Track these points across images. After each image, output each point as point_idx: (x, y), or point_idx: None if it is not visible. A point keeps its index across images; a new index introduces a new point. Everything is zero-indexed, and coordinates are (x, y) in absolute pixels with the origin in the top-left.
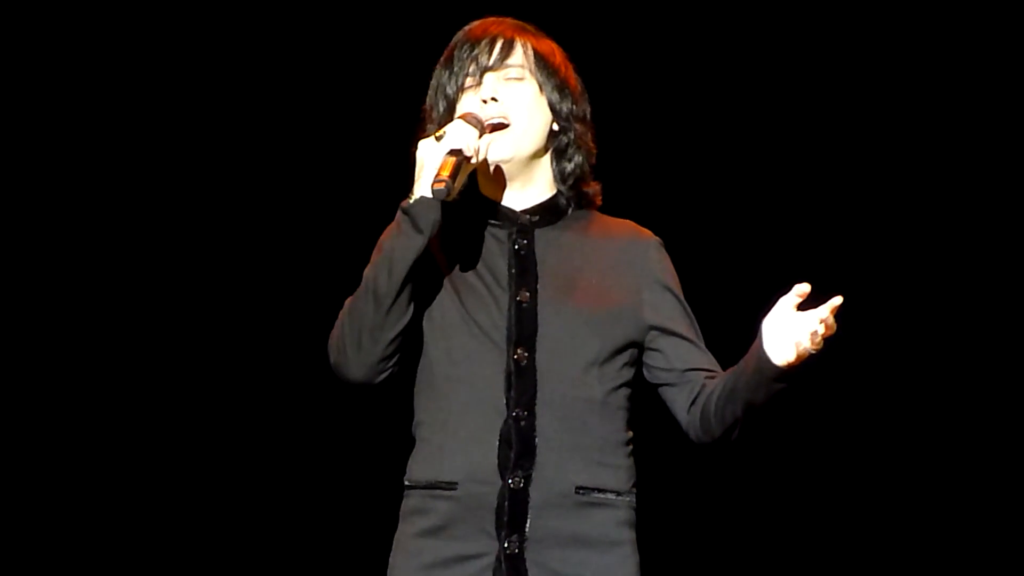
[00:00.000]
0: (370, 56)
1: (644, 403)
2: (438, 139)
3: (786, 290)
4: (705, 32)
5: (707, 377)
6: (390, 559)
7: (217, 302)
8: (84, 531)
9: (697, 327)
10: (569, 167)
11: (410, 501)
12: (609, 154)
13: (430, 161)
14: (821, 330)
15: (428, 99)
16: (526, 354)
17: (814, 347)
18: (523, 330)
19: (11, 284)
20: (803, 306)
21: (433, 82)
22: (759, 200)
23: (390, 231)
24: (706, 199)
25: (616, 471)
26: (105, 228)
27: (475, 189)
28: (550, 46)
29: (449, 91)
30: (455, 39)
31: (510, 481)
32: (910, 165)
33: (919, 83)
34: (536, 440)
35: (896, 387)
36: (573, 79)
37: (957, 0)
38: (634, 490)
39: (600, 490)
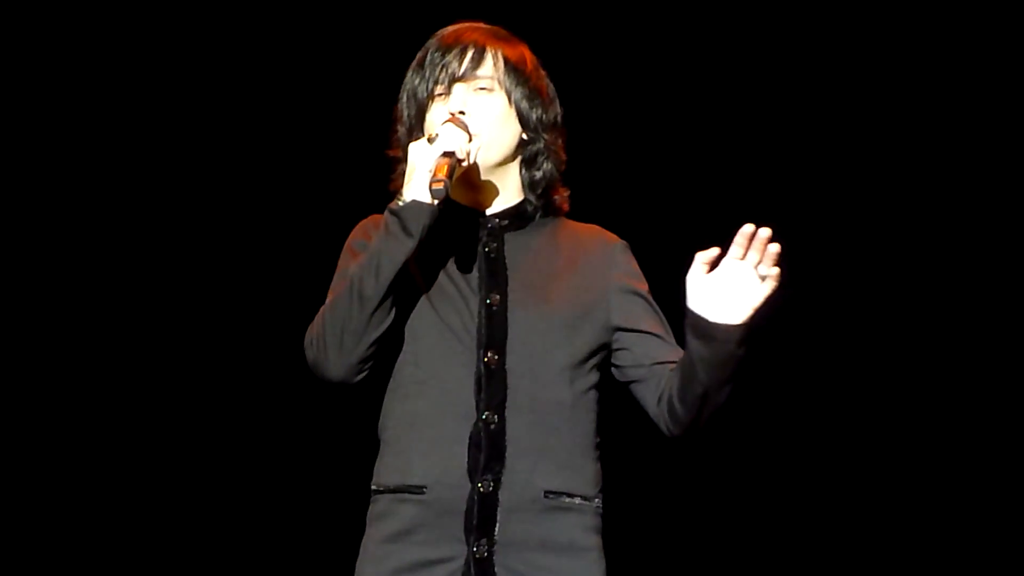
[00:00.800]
0: (350, 58)
1: (611, 407)
2: (430, 141)
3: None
4: (676, 34)
5: (672, 369)
6: (357, 565)
7: (185, 305)
8: (75, 528)
9: (666, 324)
10: (538, 175)
11: (377, 506)
12: (578, 158)
13: (423, 163)
14: (760, 260)
15: (399, 101)
16: (496, 357)
17: (773, 279)
18: (493, 333)
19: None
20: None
21: (405, 85)
22: (728, 202)
23: (364, 231)
24: (675, 201)
25: (584, 475)
26: (86, 226)
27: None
28: (521, 53)
29: (419, 96)
30: (428, 44)
31: (479, 485)
32: (893, 163)
33: (903, 77)
34: (506, 443)
35: (882, 386)
36: (544, 85)
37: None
38: (601, 495)
39: (568, 495)
